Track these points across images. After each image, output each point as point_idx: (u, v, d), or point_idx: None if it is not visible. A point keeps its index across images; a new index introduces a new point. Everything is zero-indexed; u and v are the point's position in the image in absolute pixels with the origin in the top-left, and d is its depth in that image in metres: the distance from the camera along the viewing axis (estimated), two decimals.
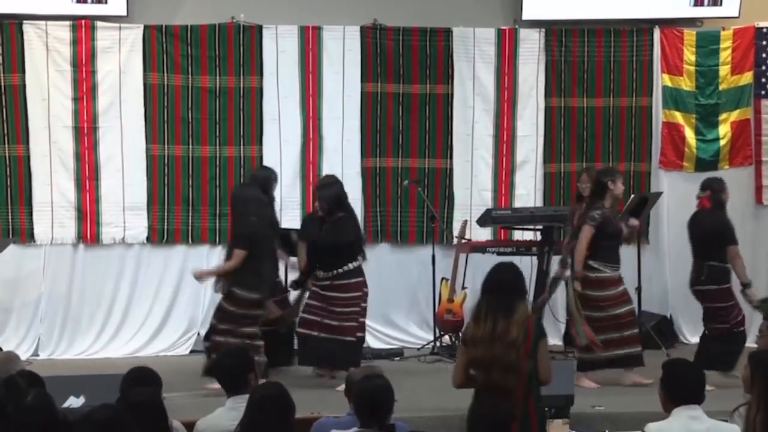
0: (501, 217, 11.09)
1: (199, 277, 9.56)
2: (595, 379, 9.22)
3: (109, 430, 4.30)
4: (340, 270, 9.14)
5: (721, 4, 11.86)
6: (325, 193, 9.24)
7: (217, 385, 8.59)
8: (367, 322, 11.18)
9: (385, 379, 5.22)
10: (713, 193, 9.26)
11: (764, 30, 12.01)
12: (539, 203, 11.71)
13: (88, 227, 11.25)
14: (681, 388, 4.93)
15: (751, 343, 11.01)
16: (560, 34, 11.86)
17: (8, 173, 11.16)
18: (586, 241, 9.07)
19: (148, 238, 11.31)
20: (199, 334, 11.21)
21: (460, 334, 5.62)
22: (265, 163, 11.49)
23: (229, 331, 9.03)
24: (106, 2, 11.18)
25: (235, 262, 8.97)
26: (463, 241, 11.16)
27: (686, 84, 11.95)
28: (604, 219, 9.16)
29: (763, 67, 12.02)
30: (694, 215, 9.44)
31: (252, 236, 8.97)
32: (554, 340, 11.49)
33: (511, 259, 11.01)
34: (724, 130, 11.98)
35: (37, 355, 11.11)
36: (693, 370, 5.01)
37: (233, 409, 5.43)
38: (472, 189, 11.77)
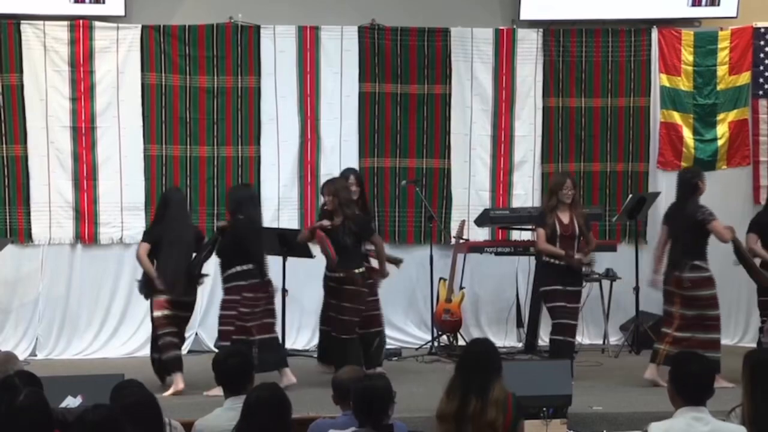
0: (499, 217, 11.09)
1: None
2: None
3: (103, 430, 4.30)
4: (226, 273, 9.15)
5: (718, 5, 11.86)
6: (229, 196, 9.49)
7: (214, 392, 8.66)
8: None
9: (385, 379, 5.21)
10: None
11: (762, 30, 12.02)
12: (537, 203, 11.68)
13: (86, 227, 11.25)
14: (688, 383, 4.91)
15: (750, 343, 11.06)
16: (558, 34, 11.87)
17: (6, 173, 11.16)
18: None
19: None
20: (197, 334, 11.21)
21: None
22: (263, 163, 11.51)
23: (173, 333, 9.22)
24: (103, 2, 11.18)
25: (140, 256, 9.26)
26: (461, 241, 11.16)
27: (684, 84, 11.96)
28: None
29: (761, 67, 12.02)
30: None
31: (154, 236, 9.10)
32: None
33: (509, 259, 11.09)
34: (721, 130, 11.98)
35: (35, 355, 11.11)
36: (702, 364, 4.96)
37: (231, 409, 5.42)
38: (470, 189, 11.77)
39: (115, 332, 11.30)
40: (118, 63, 11.24)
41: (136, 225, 11.27)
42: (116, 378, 6.13)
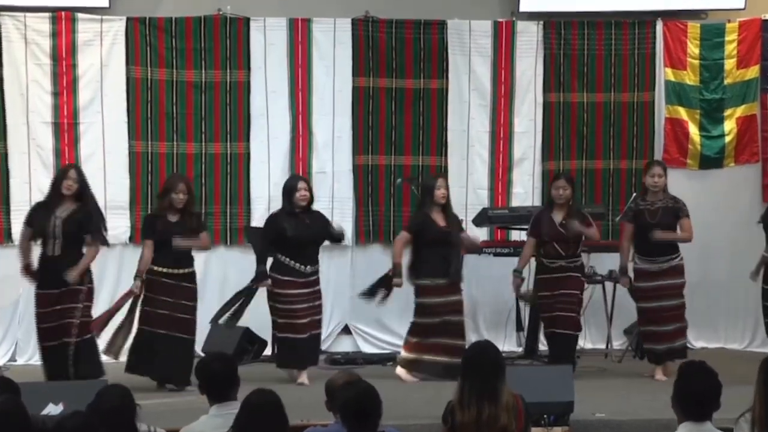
0: (498, 216, 11.06)
1: None
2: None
3: None
4: None
5: None
6: None
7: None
8: (358, 325, 11.22)
9: (367, 383, 5.15)
10: None
11: None
12: (537, 202, 11.65)
13: None
14: (692, 399, 4.89)
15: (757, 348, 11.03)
16: (559, 27, 11.83)
17: None
18: None
19: (130, 239, 11.26)
20: None
21: (442, 419, 5.51)
22: (253, 160, 11.48)
23: None
24: None
25: None
26: None
27: (690, 78, 11.92)
28: None
29: None
30: None
31: None
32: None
33: (508, 260, 11.05)
34: (729, 126, 11.95)
35: (15, 360, 11.06)
36: (708, 379, 4.94)
37: (218, 416, 5.39)
38: (467, 187, 11.74)
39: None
40: (102, 56, 11.18)
41: (120, 225, 11.21)
42: (99, 384, 6.10)
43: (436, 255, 9.81)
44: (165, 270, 9.45)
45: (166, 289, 9.41)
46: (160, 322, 9.35)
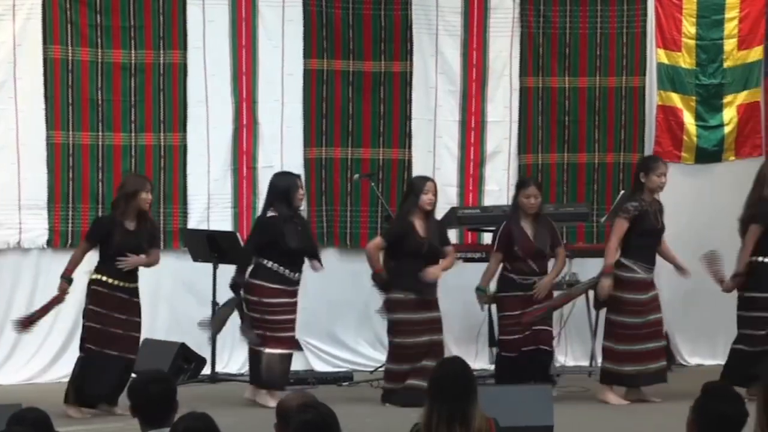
0: (468, 217, 11.08)
1: None
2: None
3: None
4: None
5: None
6: None
7: None
8: (310, 340, 11.21)
9: (325, 407, 5.13)
10: None
11: None
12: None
13: None
14: (720, 424, 4.87)
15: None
16: (538, 3, 11.92)
17: None
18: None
19: (48, 242, 11.20)
20: None
21: None
22: (190, 153, 11.45)
23: None
24: None
25: None
26: None
27: (685, 61, 12.00)
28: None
29: None
30: None
31: None
32: None
33: (480, 267, 11.06)
34: (729, 114, 12.04)
35: None
36: (737, 405, 4.92)
37: None
38: None
39: (11, 354, 11.09)
40: (15, 33, 11.09)
41: (36, 227, 11.15)
42: (11, 408, 6.02)
43: (410, 267, 9.77)
44: (120, 283, 9.41)
45: (119, 304, 9.41)
46: (112, 342, 9.35)
